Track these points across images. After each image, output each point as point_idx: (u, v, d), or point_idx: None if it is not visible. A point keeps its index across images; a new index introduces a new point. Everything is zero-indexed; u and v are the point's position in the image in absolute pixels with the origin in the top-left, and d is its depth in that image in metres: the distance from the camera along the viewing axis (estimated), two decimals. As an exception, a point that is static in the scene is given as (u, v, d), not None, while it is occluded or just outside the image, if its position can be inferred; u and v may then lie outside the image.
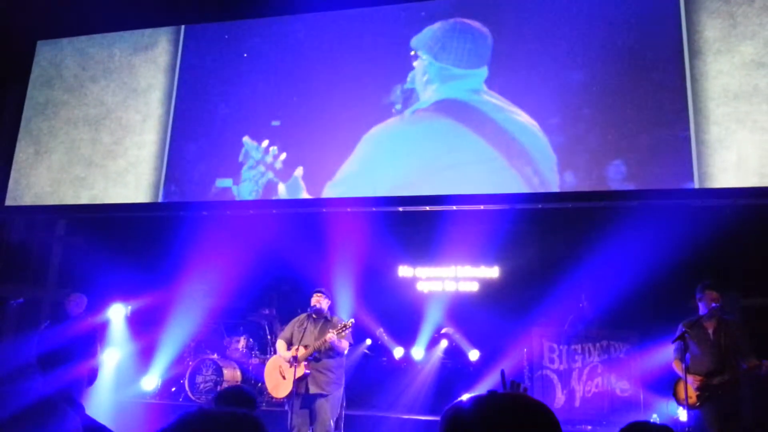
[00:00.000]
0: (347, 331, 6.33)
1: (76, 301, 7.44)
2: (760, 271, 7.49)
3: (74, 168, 9.13)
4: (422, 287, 9.21)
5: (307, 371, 6.26)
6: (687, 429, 5.62)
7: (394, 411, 7.84)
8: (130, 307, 9.04)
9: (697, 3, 7.26)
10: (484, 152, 7.53)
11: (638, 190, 7.09)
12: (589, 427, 7.38)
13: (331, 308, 6.75)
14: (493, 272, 9.06)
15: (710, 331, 5.81)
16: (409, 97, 7.99)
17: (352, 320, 6.43)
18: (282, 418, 6.40)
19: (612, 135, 7.24)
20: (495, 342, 8.20)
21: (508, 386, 1.98)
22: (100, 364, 7.49)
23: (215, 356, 8.70)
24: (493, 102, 7.66)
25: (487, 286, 9.02)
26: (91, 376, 7.03)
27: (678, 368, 5.84)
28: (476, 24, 7.96)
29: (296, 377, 6.21)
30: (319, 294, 6.61)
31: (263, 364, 8.41)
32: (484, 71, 7.80)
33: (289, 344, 6.51)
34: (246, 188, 8.36)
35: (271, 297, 9.39)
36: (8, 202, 9.30)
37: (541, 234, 8.66)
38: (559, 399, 7.74)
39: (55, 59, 9.77)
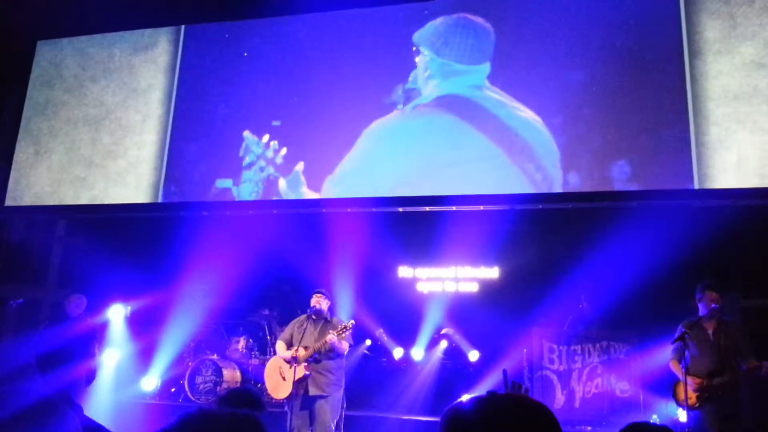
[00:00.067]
0: (347, 333, 6.33)
1: (76, 302, 7.44)
2: (760, 272, 7.49)
3: (74, 168, 9.13)
4: (422, 288, 9.20)
5: (307, 372, 6.25)
6: (687, 430, 5.62)
7: (394, 412, 7.84)
8: (129, 308, 9.04)
9: (698, 4, 7.26)
10: (486, 148, 7.52)
11: (638, 191, 7.10)
12: (589, 428, 7.38)
13: (330, 309, 6.75)
14: (493, 273, 9.05)
15: (710, 331, 5.81)
16: (411, 96, 7.99)
17: (352, 321, 6.42)
18: (281, 419, 6.40)
19: (612, 135, 7.24)
20: (495, 342, 8.19)
21: (510, 387, 1.98)
22: (99, 365, 7.49)
23: (215, 357, 8.70)
24: (496, 98, 7.65)
25: (487, 286, 9.01)
26: (90, 377, 7.03)
27: (675, 368, 5.85)
28: (479, 19, 7.95)
29: (296, 378, 6.21)
30: (319, 295, 6.60)
31: (263, 364, 8.41)
32: (486, 67, 7.80)
33: (289, 345, 6.50)
34: (246, 189, 8.37)
35: (271, 297, 9.38)
36: (8, 202, 9.30)
37: (541, 234, 8.66)
38: (558, 399, 7.74)
39: (55, 59, 9.78)
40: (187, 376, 8.52)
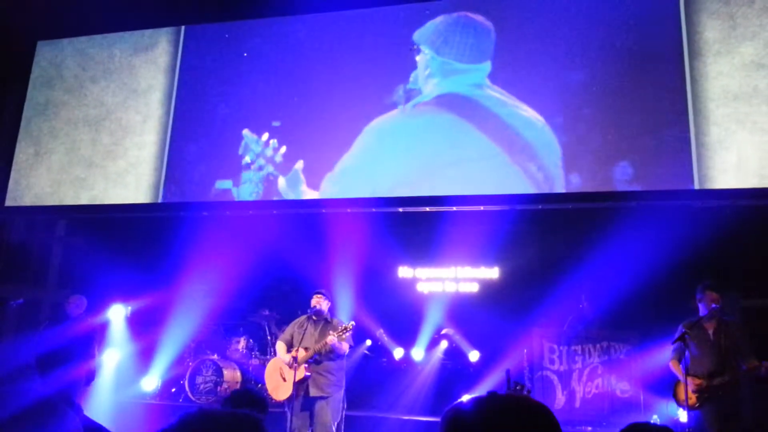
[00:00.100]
0: (347, 334, 6.32)
1: (76, 302, 7.45)
2: (760, 272, 7.49)
3: (74, 168, 9.13)
4: (422, 288, 9.19)
5: (308, 374, 6.24)
6: (687, 430, 5.62)
7: (394, 412, 7.83)
8: (130, 308, 9.05)
9: (697, 4, 7.26)
10: (486, 148, 7.51)
11: (638, 191, 7.10)
12: (590, 428, 7.38)
13: (331, 310, 6.74)
14: (493, 273, 9.04)
15: (710, 332, 5.81)
16: (412, 97, 7.98)
17: (353, 323, 6.42)
18: (281, 420, 6.39)
19: (612, 135, 7.25)
20: (495, 343, 8.19)
21: (512, 387, 1.98)
22: (99, 365, 7.50)
23: (215, 357, 8.70)
24: (497, 97, 7.64)
25: (487, 286, 9.01)
26: (89, 377, 7.03)
27: (675, 369, 5.85)
28: (479, 18, 7.94)
29: (297, 380, 6.20)
30: (319, 295, 6.59)
31: (263, 364, 8.41)
32: (487, 66, 7.79)
33: (289, 346, 6.49)
34: (246, 190, 8.36)
35: (272, 297, 9.37)
36: (8, 202, 9.31)
37: (541, 235, 8.66)
38: (559, 400, 7.74)
39: (56, 60, 9.78)
40: (187, 376, 8.51)
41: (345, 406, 6.57)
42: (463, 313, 8.73)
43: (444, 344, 8.54)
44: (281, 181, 8.23)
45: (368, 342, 8.52)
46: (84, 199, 8.98)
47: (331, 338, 6.16)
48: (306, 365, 6.25)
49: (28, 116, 9.62)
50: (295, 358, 6.25)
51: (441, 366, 8.47)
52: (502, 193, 7.55)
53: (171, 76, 9.08)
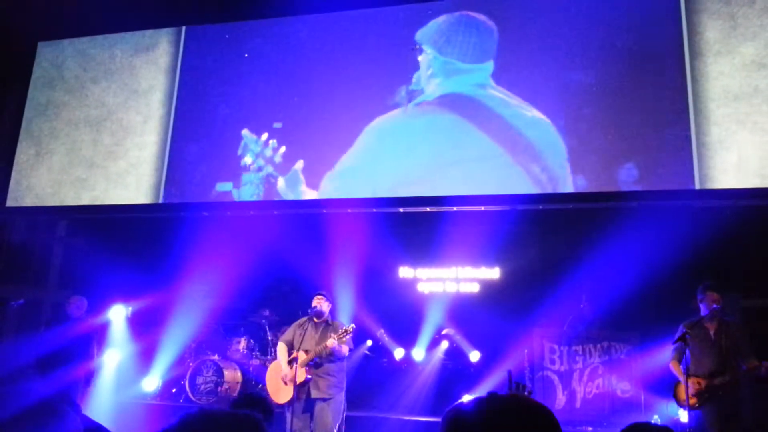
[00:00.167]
0: (348, 337, 6.31)
1: (77, 303, 7.46)
2: (760, 272, 7.49)
3: (75, 169, 9.13)
4: (423, 288, 9.19)
5: (309, 376, 6.24)
6: (688, 430, 5.62)
7: (395, 412, 7.83)
8: (130, 308, 9.05)
9: (698, 4, 7.26)
10: (489, 149, 7.48)
11: (639, 191, 7.09)
12: (590, 428, 7.38)
13: (331, 311, 6.72)
14: (493, 273, 9.04)
15: (712, 332, 5.81)
16: (414, 98, 7.95)
17: (353, 325, 6.41)
18: (281, 421, 6.38)
19: (612, 136, 7.24)
20: (496, 343, 8.19)
21: (514, 388, 1.98)
22: (99, 366, 7.50)
23: (216, 357, 8.70)
24: (500, 97, 7.61)
25: (487, 287, 9.00)
26: (88, 378, 7.04)
27: (675, 369, 5.84)
28: (482, 17, 7.91)
29: (297, 382, 6.19)
30: (320, 296, 6.58)
31: (264, 365, 8.42)
32: (489, 66, 7.76)
33: (291, 347, 6.48)
34: (246, 191, 8.36)
35: (272, 298, 9.38)
36: (9, 203, 9.31)
37: (542, 235, 8.66)
38: (560, 400, 7.74)
39: (56, 60, 9.79)
40: (188, 377, 8.52)
41: (345, 407, 6.56)
42: (464, 313, 8.73)
43: (445, 344, 8.54)
44: (281, 182, 8.23)
45: (369, 342, 8.52)
46: (85, 200, 8.98)
47: (331, 341, 6.15)
48: (306, 368, 6.24)
49: (29, 117, 9.63)
50: (295, 359, 6.24)
51: (442, 366, 8.47)
52: (503, 193, 7.54)
53: (172, 76, 9.08)
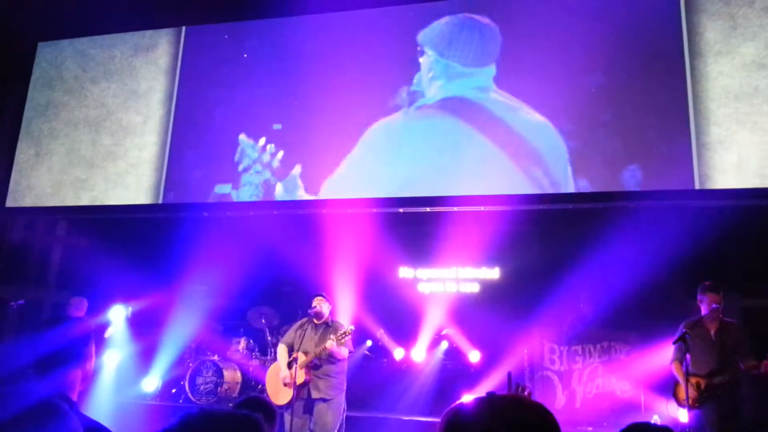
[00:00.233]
0: (347, 338, 6.30)
1: (77, 304, 7.46)
2: (760, 272, 7.49)
3: (75, 169, 9.13)
4: (423, 288, 9.20)
5: (308, 378, 6.23)
6: (687, 430, 5.62)
7: (395, 412, 7.83)
8: (130, 309, 9.05)
9: (698, 4, 7.26)
10: (491, 154, 7.45)
11: (638, 192, 7.09)
12: (590, 428, 7.38)
13: (332, 312, 6.71)
14: (493, 273, 9.05)
15: (712, 332, 5.82)
16: (415, 99, 7.93)
17: (352, 327, 6.40)
18: (280, 421, 6.37)
19: (613, 137, 7.24)
20: (496, 343, 8.19)
21: (513, 389, 1.98)
22: (96, 366, 7.49)
23: (215, 357, 8.70)
24: (502, 100, 7.58)
25: (488, 287, 9.01)
26: (86, 379, 7.03)
27: (676, 370, 5.84)
28: (485, 20, 7.87)
29: (297, 384, 6.18)
30: (320, 298, 6.56)
31: (264, 365, 8.42)
32: (491, 69, 7.74)
33: (291, 349, 6.46)
34: (245, 193, 8.35)
35: (272, 298, 9.38)
36: (9, 203, 9.31)
37: (542, 235, 8.66)
38: (559, 400, 7.75)
39: (56, 60, 9.79)
40: (187, 377, 8.52)
41: (345, 408, 6.56)
42: (464, 313, 8.74)
43: (444, 345, 8.54)
44: (279, 188, 8.21)
45: (369, 342, 8.53)
46: (84, 200, 8.98)
47: (330, 343, 6.13)
48: (306, 369, 6.24)
49: (28, 117, 9.63)
50: (295, 359, 6.24)
51: (441, 366, 8.47)
52: (502, 193, 7.54)
53: (171, 77, 9.08)
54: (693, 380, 5.68)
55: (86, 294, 7.78)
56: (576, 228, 8.11)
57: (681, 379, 5.61)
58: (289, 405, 6.18)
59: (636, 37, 7.36)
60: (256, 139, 8.42)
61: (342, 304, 8.06)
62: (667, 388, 6.35)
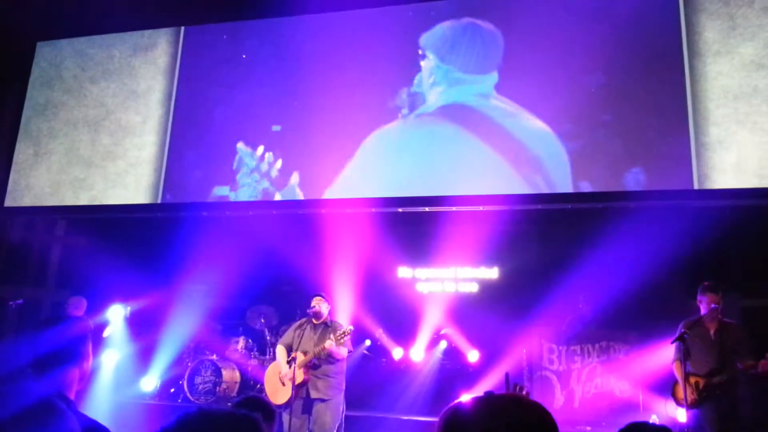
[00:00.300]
0: (346, 338, 6.30)
1: (76, 304, 7.46)
2: (760, 272, 7.50)
3: (74, 169, 9.13)
4: (422, 288, 9.20)
5: (307, 377, 6.23)
6: (686, 430, 5.62)
7: (393, 412, 7.84)
8: (129, 308, 9.04)
9: (697, 4, 7.26)
10: (492, 161, 7.42)
11: (638, 191, 7.09)
12: (589, 428, 7.38)
13: (330, 312, 6.71)
14: (492, 273, 9.05)
15: (711, 331, 5.82)
16: (416, 100, 7.90)
17: (351, 327, 6.39)
18: (279, 421, 6.37)
19: (612, 137, 7.24)
20: (494, 343, 8.20)
21: (511, 389, 1.98)
22: (95, 366, 7.48)
23: (214, 357, 8.70)
24: (502, 107, 7.54)
25: (486, 287, 9.01)
26: (83, 378, 7.02)
27: (678, 370, 5.84)
28: (487, 25, 7.83)
29: (296, 384, 6.18)
30: (318, 298, 6.56)
31: (262, 365, 8.42)
32: (493, 76, 7.69)
33: (290, 349, 6.46)
34: (244, 194, 8.34)
35: (271, 298, 9.38)
36: (8, 202, 9.31)
37: (541, 235, 8.67)
38: (558, 400, 7.75)
39: (55, 60, 9.78)
40: (186, 377, 8.52)
41: (344, 408, 6.56)
42: (463, 313, 8.74)
43: (443, 344, 8.54)
44: (277, 197, 8.20)
45: (367, 342, 8.53)
46: (83, 200, 8.98)
47: (329, 343, 6.13)
48: (305, 369, 6.23)
49: (27, 116, 9.62)
50: (294, 359, 6.24)
51: (440, 366, 8.48)
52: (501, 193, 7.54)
53: (171, 76, 9.07)
54: (692, 380, 5.70)
55: (85, 293, 7.77)
56: (575, 228, 8.12)
57: (680, 378, 5.62)
58: (288, 404, 6.18)
59: (635, 37, 7.35)
60: (255, 147, 8.38)
61: (341, 303, 8.06)
62: (665, 387, 6.35)
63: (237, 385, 8.55)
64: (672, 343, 5.81)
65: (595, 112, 7.34)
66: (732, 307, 6.72)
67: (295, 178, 8.13)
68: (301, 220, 8.54)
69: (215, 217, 8.80)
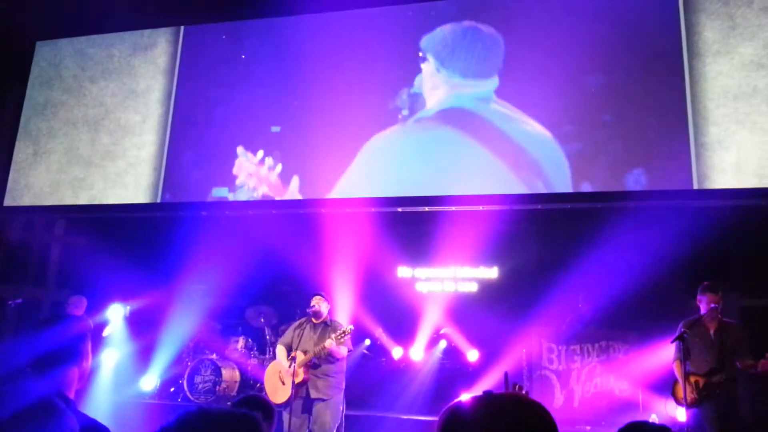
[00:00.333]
0: (346, 338, 6.30)
1: (76, 303, 7.46)
2: (760, 272, 7.50)
3: (73, 168, 9.13)
4: (421, 288, 9.20)
5: (307, 377, 6.23)
6: (686, 429, 5.62)
7: (393, 411, 7.83)
8: (129, 308, 9.03)
9: (696, 4, 7.26)
10: (492, 165, 7.41)
11: (637, 191, 7.09)
12: (588, 428, 7.38)
13: (330, 311, 6.71)
14: (492, 273, 9.05)
15: (711, 331, 5.83)
16: (416, 101, 7.89)
17: (351, 327, 6.39)
18: (279, 421, 6.36)
19: (612, 137, 7.24)
20: (494, 342, 8.20)
21: (510, 389, 1.98)
22: (94, 365, 7.48)
23: (214, 356, 8.69)
24: (502, 111, 7.53)
25: (486, 286, 9.01)
26: (83, 377, 7.02)
27: (678, 369, 5.84)
28: (488, 29, 7.80)
29: (296, 383, 6.18)
30: (318, 297, 6.56)
31: (262, 364, 8.42)
32: (493, 81, 7.67)
33: (290, 349, 6.46)
34: (243, 195, 8.34)
35: (270, 297, 9.38)
36: (7, 202, 9.30)
37: (540, 235, 8.67)
38: (558, 399, 7.75)
39: (55, 60, 9.78)
40: (186, 376, 8.52)
41: (344, 408, 6.55)
42: (462, 312, 8.74)
43: (443, 344, 8.54)
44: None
45: (367, 341, 8.52)
46: (83, 199, 8.98)
47: (330, 342, 6.13)
48: (305, 368, 6.23)
49: (27, 116, 9.62)
50: (293, 358, 6.24)
51: (440, 365, 8.47)
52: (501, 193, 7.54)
53: (170, 76, 9.07)
54: (692, 379, 5.70)
55: (84, 293, 7.77)
56: (574, 228, 8.12)
57: (680, 378, 5.62)
58: (288, 404, 6.18)
59: (635, 37, 7.36)
60: (254, 151, 8.37)
61: (340, 303, 8.06)
62: (665, 387, 6.35)
63: (237, 385, 8.54)
64: (672, 342, 5.82)
65: (595, 113, 7.34)
66: (732, 307, 6.72)
67: (294, 182, 8.12)
68: (300, 220, 8.54)
69: (215, 216, 8.81)
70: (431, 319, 8.66)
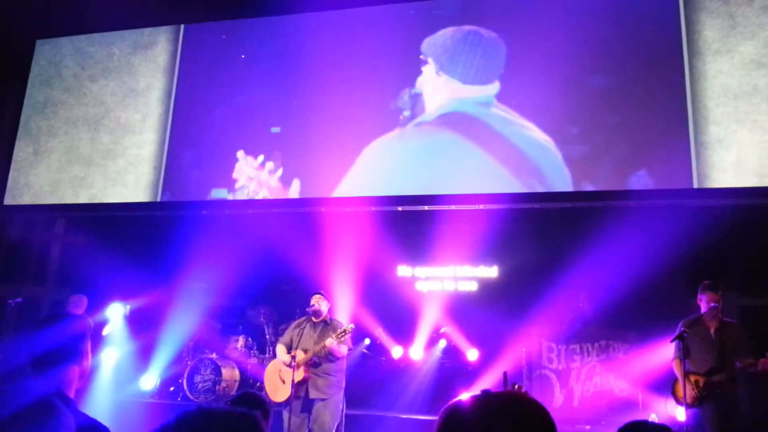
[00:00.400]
0: (346, 336, 6.29)
1: (76, 302, 7.46)
2: (760, 272, 7.50)
3: (73, 167, 9.12)
4: (421, 287, 9.21)
5: (307, 375, 6.23)
6: (685, 428, 5.62)
7: (393, 410, 7.84)
8: (129, 307, 9.03)
9: (697, 3, 7.26)
10: (492, 170, 7.40)
11: (637, 190, 7.09)
12: (588, 427, 7.39)
13: (330, 310, 6.71)
14: (492, 272, 9.06)
15: (711, 330, 5.82)
16: (417, 103, 7.88)
17: (352, 326, 6.38)
18: (278, 419, 6.37)
19: (613, 137, 7.23)
20: (494, 342, 8.20)
21: (509, 388, 1.98)
22: (94, 364, 7.48)
23: (214, 356, 8.70)
24: (503, 116, 7.50)
25: (486, 285, 9.02)
26: (83, 376, 7.02)
27: (677, 368, 5.84)
28: (490, 34, 7.77)
29: (296, 381, 6.18)
30: (318, 296, 6.56)
31: (262, 363, 8.42)
32: (494, 86, 7.64)
33: (290, 348, 6.46)
34: (242, 197, 8.33)
35: (270, 296, 9.38)
36: (7, 201, 9.30)
37: (540, 234, 8.66)
38: (557, 398, 7.75)
39: (55, 58, 9.77)
40: (186, 375, 8.52)
41: (344, 407, 6.55)
42: (462, 312, 8.74)
43: (442, 343, 8.54)
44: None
45: (367, 341, 8.53)
46: (83, 198, 8.97)
47: (330, 341, 6.13)
48: (305, 367, 6.23)
49: (27, 115, 9.62)
50: (293, 357, 6.24)
51: (439, 365, 8.48)
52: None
53: (170, 74, 9.07)
54: (692, 378, 5.69)
55: (84, 292, 7.77)
56: (574, 227, 8.11)
57: (680, 377, 5.62)
58: (287, 403, 6.18)
59: (635, 36, 7.35)
60: (255, 153, 8.35)
61: (340, 302, 8.05)
62: (665, 386, 6.35)
63: (236, 384, 8.54)
64: (672, 341, 5.82)
65: (595, 113, 7.34)
66: (732, 306, 6.72)
67: (295, 186, 8.10)
68: (300, 219, 8.54)
69: (215, 215, 8.81)
70: (431, 318, 8.67)
